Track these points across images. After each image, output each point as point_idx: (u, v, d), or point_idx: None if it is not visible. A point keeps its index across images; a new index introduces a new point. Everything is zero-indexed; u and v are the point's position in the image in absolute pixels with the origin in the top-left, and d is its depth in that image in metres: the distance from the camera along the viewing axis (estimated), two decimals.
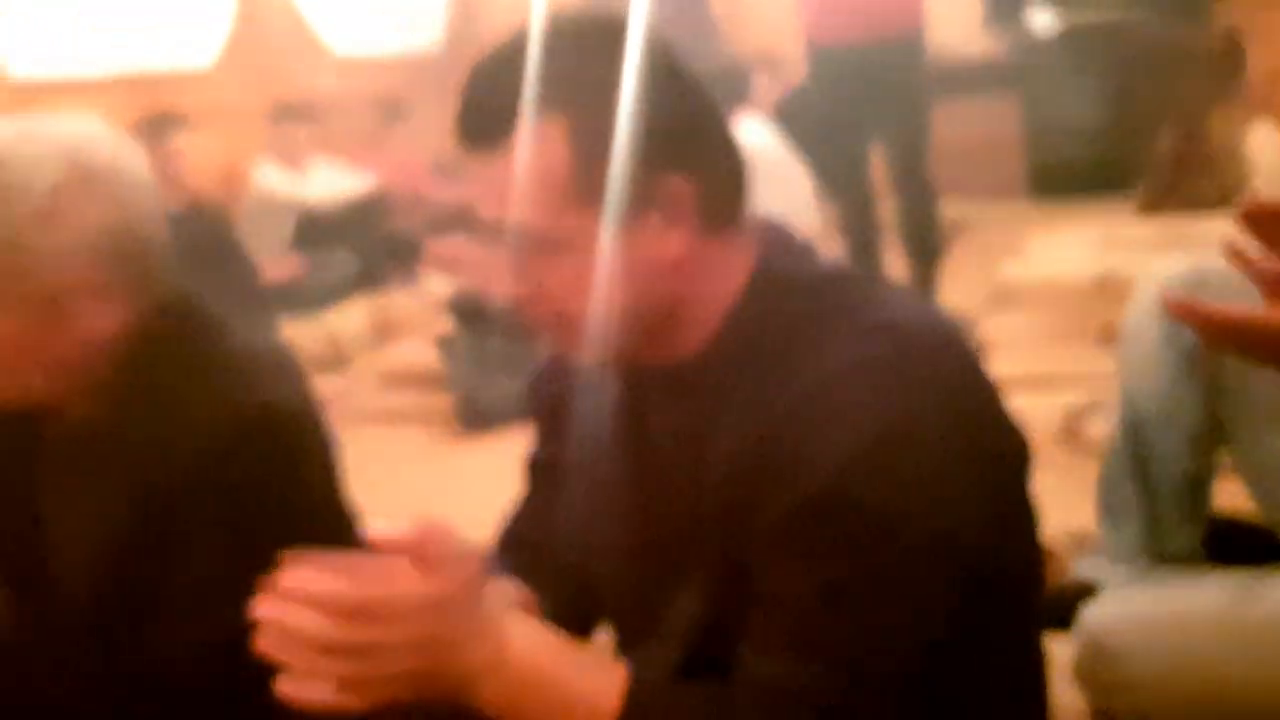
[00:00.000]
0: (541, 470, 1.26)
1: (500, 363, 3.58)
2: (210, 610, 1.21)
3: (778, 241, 1.05)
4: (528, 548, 1.25)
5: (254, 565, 1.23)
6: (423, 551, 0.89)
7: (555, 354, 1.15)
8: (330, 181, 5.34)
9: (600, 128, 0.96)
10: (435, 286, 4.76)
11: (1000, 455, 1.02)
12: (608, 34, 0.99)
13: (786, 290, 1.02)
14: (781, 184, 4.27)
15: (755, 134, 4.34)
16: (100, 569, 1.27)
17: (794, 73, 5.24)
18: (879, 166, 4.30)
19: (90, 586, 1.28)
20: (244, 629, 1.07)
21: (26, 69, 4.49)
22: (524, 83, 0.96)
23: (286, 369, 1.33)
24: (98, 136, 1.24)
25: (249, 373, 1.28)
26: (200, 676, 1.24)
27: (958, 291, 4.18)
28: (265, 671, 0.91)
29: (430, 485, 3.10)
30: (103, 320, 1.23)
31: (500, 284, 1.03)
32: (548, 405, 1.23)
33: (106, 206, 1.21)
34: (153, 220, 1.26)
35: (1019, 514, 1.05)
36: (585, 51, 0.98)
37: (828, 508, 0.91)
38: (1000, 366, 3.32)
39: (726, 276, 1.02)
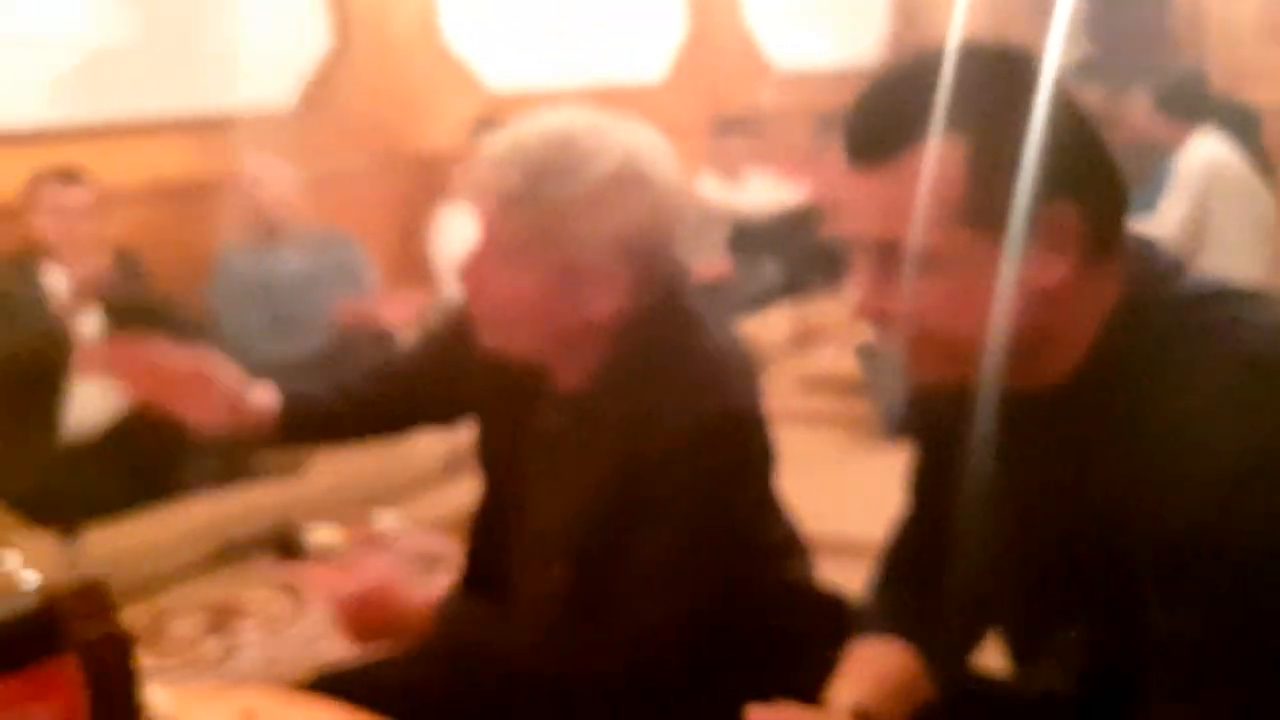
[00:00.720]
0: (921, 489, 1.28)
1: None
2: (656, 591, 1.32)
3: (1146, 261, 1.02)
4: (911, 566, 1.27)
5: (698, 554, 1.32)
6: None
7: (919, 376, 1.14)
8: (764, 192, 5.50)
9: (998, 151, 0.96)
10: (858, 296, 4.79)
11: None
12: (1011, 60, 1.00)
13: (1154, 314, 0.99)
14: (1240, 201, 3.96)
15: (1215, 149, 4.06)
16: (569, 534, 1.38)
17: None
18: None
19: (558, 551, 1.39)
20: (684, 614, 1.15)
21: (501, 81, 4.95)
22: (922, 101, 0.97)
23: (748, 371, 1.40)
24: (651, 144, 1.36)
25: (719, 373, 1.35)
26: (641, 653, 1.32)
27: None
28: (696, 660, 0.99)
29: (844, 488, 3.14)
30: (605, 304, 1.34)
31: (872, 300, 1.04)
32: (927, 425, 1.25)
33: (641, 208, 1.32)
34: (673, 227, 1.36)
35: None
36: (988, 75, 0.98)
37: (1208, 547, 0.89)
38: None
39: (1098, 301, 1.00)
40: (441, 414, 1.64)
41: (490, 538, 1.54)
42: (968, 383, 1.05)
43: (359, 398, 1.61)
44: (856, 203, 1.03)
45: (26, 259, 3.40)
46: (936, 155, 0.97)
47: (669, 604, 1.31)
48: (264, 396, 1.54)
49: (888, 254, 1.00)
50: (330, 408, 1.60)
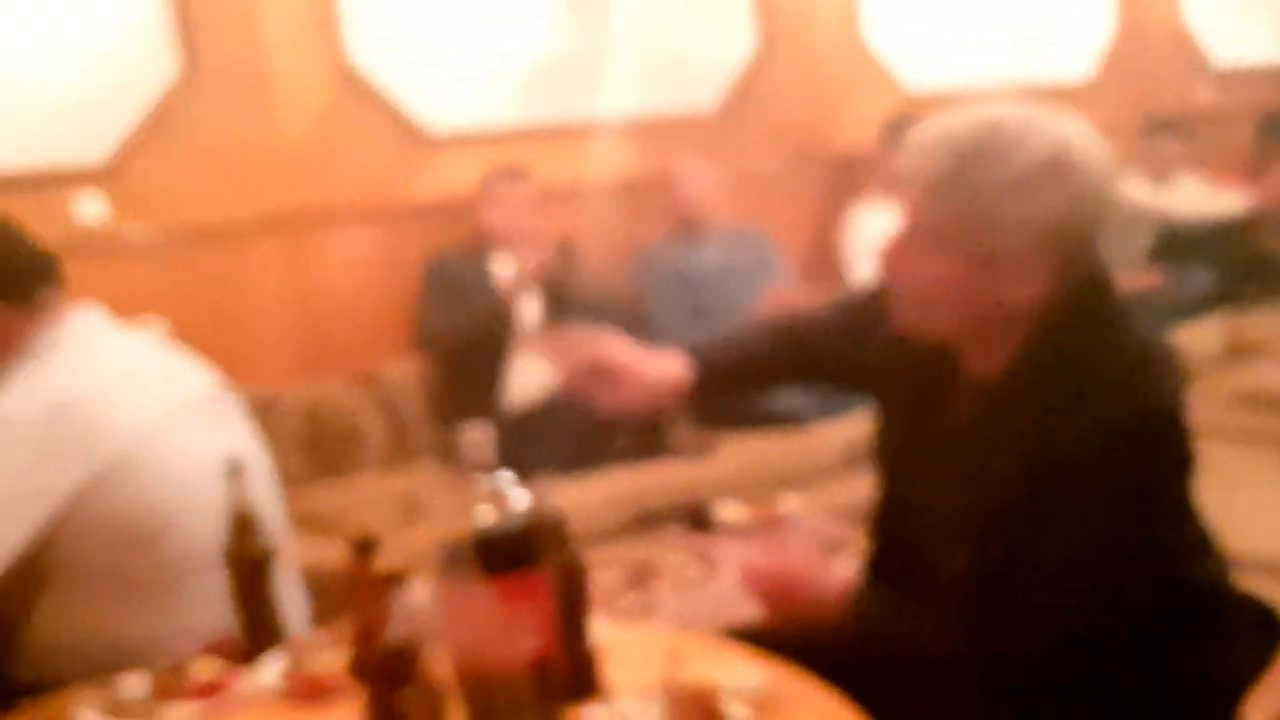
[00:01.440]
0: None
1: None
2: (1062, 584, 1.31)
3: None
4: None
5: (1104, 550, 1.31)
6: None
7: None
8: (1196, 196, 5.19)
9: None
10: None
11: None
12: None
13: None
14: None
15: None
16: (974, 522, 1.38)
17: None
18: None
19: (963, 538, 1.39)
20: (1090, 607, 1.14)
21: (919, 81, 4.94)
22: None
23: (1170, 372, 1.37)
24: (1081, 135, 1.37)
25: (1137, 370, 1.34)
26: (1044, 643, 1.32)
27: None
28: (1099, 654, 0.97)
29: (1275, 508, 2.95)
30: (1025, 291, 1.36)
31: None
32: None
33: (1065, 198, 1.34)
34: (1098, 219, 1.36)
35: None
36: None
37: None
38: None
39: None
40: (842, 377, 1.75)
41: (892, 530, 1.57)
42: None
43: (762, 356, 1.73)
44: None
45: (479, 248, 3.77)
46: None
47: (1074, 597, 1.31)
48: (673, 367, 1.65)
49: None
50: (735, 366, 1.73)
